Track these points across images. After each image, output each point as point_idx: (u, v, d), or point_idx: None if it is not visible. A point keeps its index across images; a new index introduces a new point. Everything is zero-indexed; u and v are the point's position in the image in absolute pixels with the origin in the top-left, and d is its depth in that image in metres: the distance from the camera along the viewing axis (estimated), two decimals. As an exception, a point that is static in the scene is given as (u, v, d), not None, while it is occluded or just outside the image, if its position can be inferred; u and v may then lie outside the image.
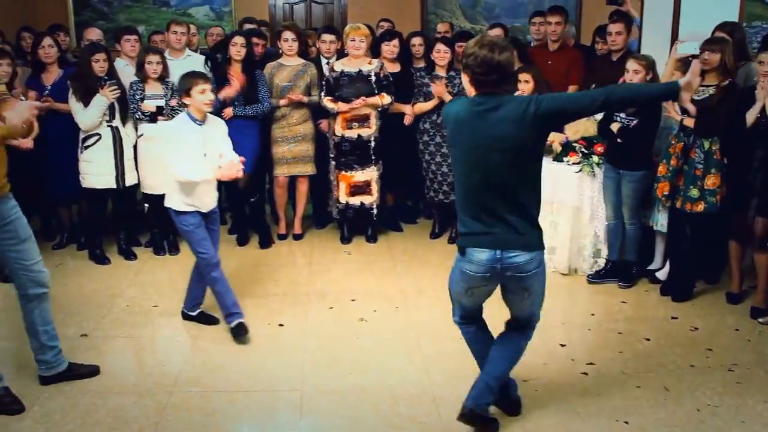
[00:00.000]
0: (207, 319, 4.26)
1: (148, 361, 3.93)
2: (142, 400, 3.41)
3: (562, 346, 3.99)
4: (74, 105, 5.04)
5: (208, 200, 4.04)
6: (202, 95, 3.87)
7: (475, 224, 2.85)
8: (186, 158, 3.85)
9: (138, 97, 5.17)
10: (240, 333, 4.01)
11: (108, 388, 3.53)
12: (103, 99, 4.97)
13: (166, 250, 5.55)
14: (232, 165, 3.89)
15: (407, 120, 5.73)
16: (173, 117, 5.22)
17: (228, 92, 5.20)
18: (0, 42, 5.37)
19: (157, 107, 5.17)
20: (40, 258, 3.43)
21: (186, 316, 4.30)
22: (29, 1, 8.32)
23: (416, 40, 5.96)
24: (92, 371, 3.65)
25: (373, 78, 5.48)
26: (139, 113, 5.17)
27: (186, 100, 3.91)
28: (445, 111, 3.01)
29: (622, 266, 4.88)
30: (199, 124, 3.93)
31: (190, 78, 3.92)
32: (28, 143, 4.77)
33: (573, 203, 5.01)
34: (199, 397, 3.44)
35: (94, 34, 5.99)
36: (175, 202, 3.97)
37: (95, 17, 8.59)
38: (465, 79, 2.84)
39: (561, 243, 5.10)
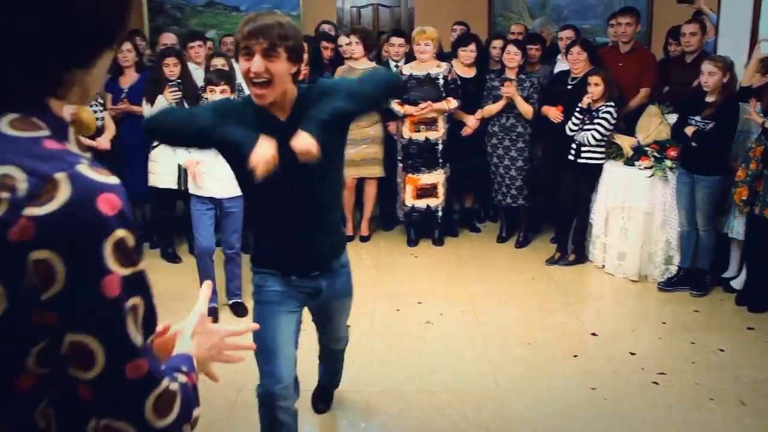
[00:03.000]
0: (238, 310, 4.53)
1: (218, 359, 3.99)
2: (212, 395, 3.48)
3: (632, 354, 3.91)
4: (144, 106, 5.20)
5: (216, 187, 4.21)
6: (211, 95, 4.16)
7: None
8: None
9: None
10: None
11: (180, 384, 3.61)
12: (163, 100, 5.10)
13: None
14: (191, 163, 4.21)
15: (465, 131, 5.73)
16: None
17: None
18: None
19: None
20: None
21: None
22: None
23: (497, 43, 5.97)
24: None
25: (441, 81, 5.48)
26: None
27: (205, 95, 4.32)
28: None
29: (695, 274, 4.74)
30: None
31: (210, 75, 4.35)
32: (105, 144, 4.95)
33: (644, 208, 4.90)
34: (268, 396, 3.49)
35: (169, 38, 6.15)
36: (189, 183, 4.37)
37: (169, 22, 8.80)
38: None
39: (631, 249, 4.99)
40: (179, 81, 5.10)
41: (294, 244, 2.44)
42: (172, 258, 5.49)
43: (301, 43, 2.26)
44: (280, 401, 2.53)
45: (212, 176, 4.18)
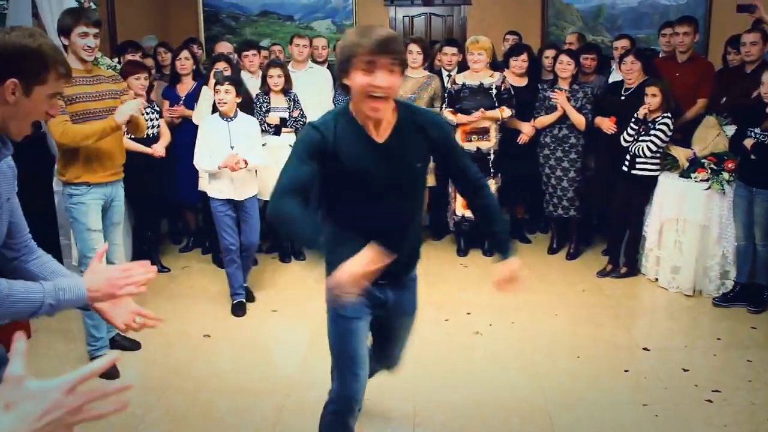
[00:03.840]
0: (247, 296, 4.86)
1: (267, 363, 4.05)
2: (260, 400, 3.53)
3: (685, 370, 3.82)
4: (195, 111, 5.32)
5: (239, 189, 4.56)
6: (217, 95, 4.47)
7: None
8: (211, 150, 4.47)
9: (264, 109, 5.37)
10: (237, 310, 4.67)
11: (227, 387, 3.68)
12: (207, 90, 5.15)
13: (292, 257, 5.75)
14: (231, 157, 4.39)
15: (522, 139, 5.69)
16: (297, 128, 5.41)
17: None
18: (140, 56, 5.70)
19: (281, 119, 5.35)
20: (120, 242, 4.01)
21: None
22: (164, 17, 8.81)
23: (549, 53, 5.97)
24: (133, 346, 4.09)
25: (494, 91, 5.46)
26: (265, 125, 5.36)
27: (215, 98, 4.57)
28: None
29: (752, 290, 4.62)
30: (226, 120, 4.52)
31: (217, 76, 4.68)
32: (161, 152, 5.05)
33: (700, 222, 4.80)
34: (315, 402, 3.45)
35: (224, 47, 6.29)
36: (208, 187, 4.65)
37: (224, 31, 8.97)
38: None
39: (686, 263, 4.90)
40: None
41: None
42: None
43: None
44: (357, 408, 2.59)
45: (229, 179, 4.50)
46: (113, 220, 3.90)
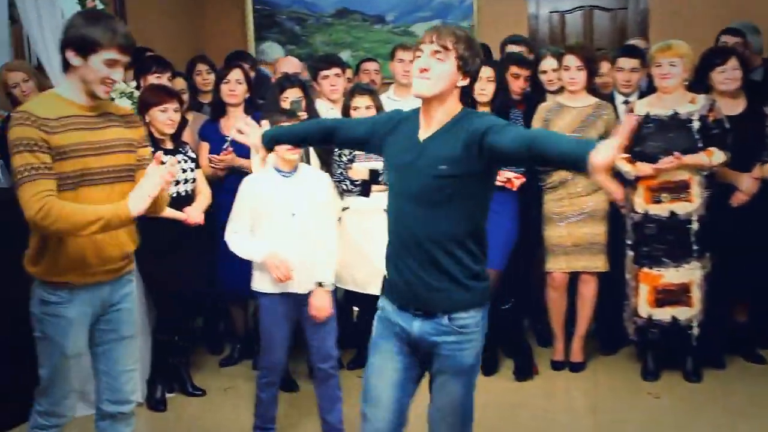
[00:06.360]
0: None
1: None
2: None
3: None
4: (254, 158, 5.18)
5: (303, 278, 4.35)
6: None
7: None
8: (259, 220, 4.40)
9: (346, 157, 5.26)
10: None
11: None
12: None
13: None
14: (284, 265, 4.27)
15: (737, 199, 5.51)
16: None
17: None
18: (170, 76, 5.61)
19: (371, 172, 5.21)
20: (134, 367, 3.83)
21: None
22: (197, 20, 8.95)
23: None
24: None
25: (697, 124, 5.27)
26: (347, 182, 5.24)
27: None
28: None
29: None
30: (285, 176, 4.41)
31: (271, 115, 4.42)
32: (197, 218, 4.96)
33: None
34: None
35: (289, 65, 6.29)
36: (256, 277, 4.48)
37: (283, 40, 9.10)
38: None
39: None
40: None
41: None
42: (287, 385, 5.44)
43: None
44: None
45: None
46: (121, 333, 3.64)
